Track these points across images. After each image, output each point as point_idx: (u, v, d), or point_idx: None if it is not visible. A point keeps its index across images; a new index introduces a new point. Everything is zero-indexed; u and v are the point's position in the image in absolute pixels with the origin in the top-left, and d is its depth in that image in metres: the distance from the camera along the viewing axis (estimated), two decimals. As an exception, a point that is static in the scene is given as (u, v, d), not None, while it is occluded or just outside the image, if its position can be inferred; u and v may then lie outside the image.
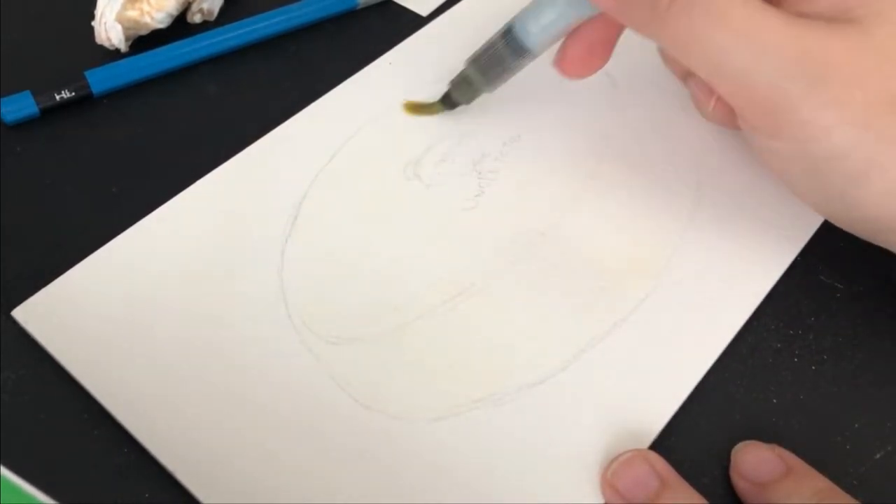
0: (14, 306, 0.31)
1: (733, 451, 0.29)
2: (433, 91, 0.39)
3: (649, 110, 0.39)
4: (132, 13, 0.39)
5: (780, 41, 0.27)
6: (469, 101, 0.37)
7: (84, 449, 0.29)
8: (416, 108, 0.38)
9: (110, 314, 0.31)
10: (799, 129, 0.28)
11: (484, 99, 0.38)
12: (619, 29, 0.33)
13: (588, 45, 0.33)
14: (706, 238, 0.35)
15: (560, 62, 0.33)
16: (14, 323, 0.31)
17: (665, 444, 0.30)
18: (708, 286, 0.33)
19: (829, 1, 0.28)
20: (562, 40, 0.33)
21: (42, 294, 0.31)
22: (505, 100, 0.39)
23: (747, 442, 0.29)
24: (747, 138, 0.32)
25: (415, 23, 0.42)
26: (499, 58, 0.34)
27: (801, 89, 0.27)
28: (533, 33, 0.33)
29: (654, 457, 0.29)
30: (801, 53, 0.27)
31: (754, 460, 0.29)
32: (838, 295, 0.34)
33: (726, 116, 0.32)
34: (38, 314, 0.31)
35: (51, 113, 0.37)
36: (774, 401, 0.31)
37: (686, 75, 0.34)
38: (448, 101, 0.37)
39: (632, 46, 0.41)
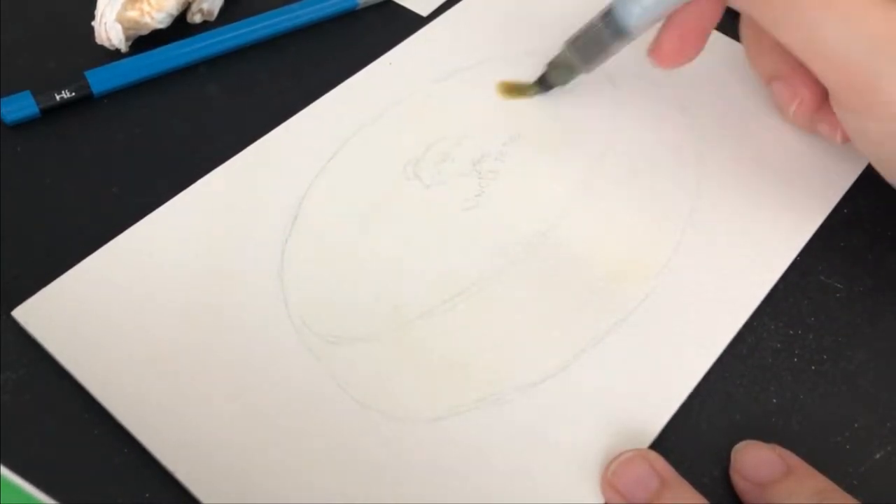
0: (14, 306, 0.31)
1: (733, 451, 0.29)
2: (434, 90, 0.39)
3: (649, 110, 0.39)
4: (132, 13, 0.39)
5: (875, 21, 0.28)
6: (565, 82, 0.37)
7: (84, 449, 0.29)
8: (510, 89, 0.38)
9: (110, 314, 0.31)
10: (889, 108, 0.29)
11: (484, 97, 0.38)
12: (715, 18, 0.33)
13: (682, 34, 0.33)
14: (706, 238, 0.35)
15: (656, 52, 0.34)
16: (14, 323, 0.31)
17: (665, 444, 0.30)
18: (708, 286, 0.33)
19: None
20: (658, 25, 0.34)
21: (42, 294, 0.31)
22: (505, 99, 0.39)
23: (747, 441, 0.29)
24: (841, 119, 0.32)
25: (415, 23, 0.42)
26: (598, 39, 0.35)
27: (892, 69, 0.28)
28: (634, 14, 0.33)
29: (654, 456, 0.29)
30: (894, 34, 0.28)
31: (755, 460, 0.29)
32: (838, 295, 0.34)
33: (807, 118, 0.33)
34: (38, 314, 0.31)
35: (51, 113, 0.37)
36: (774, 401, 0.31)
37: (771, 78, 0.35)
38: (544, 83, 0.38)
39: (632, 46, 0.41)
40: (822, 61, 0.30)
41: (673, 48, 0.33)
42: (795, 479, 0.28)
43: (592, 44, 0.35)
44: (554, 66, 0.37)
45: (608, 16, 0.34)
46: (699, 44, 0.34)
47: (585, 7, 0.43)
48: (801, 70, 0.33)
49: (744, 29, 0.36)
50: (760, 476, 0.28)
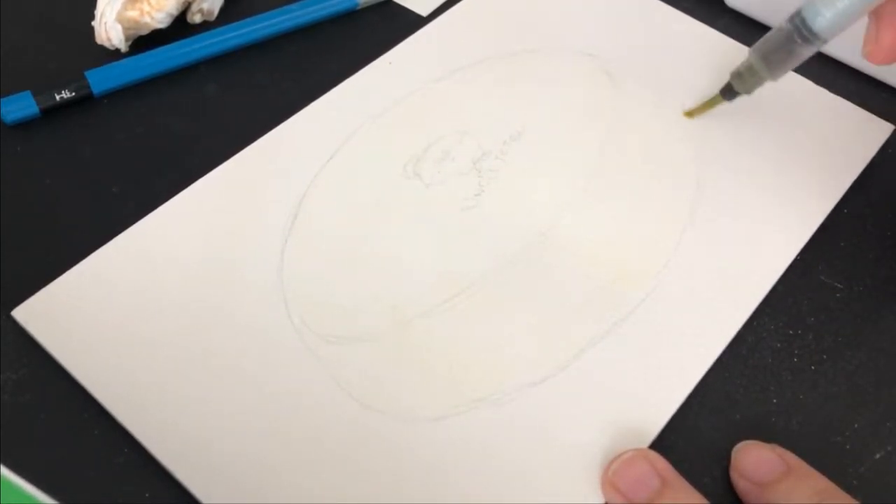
0: (14, 306, 0.31)
1: (734, 451, 0.29)
2: (434, 89, 0.39)
3: (650, 109, 0.39)
4: (132, 13, 0.39)
5: None
6: (750, 90, 0.36)
7: (84, 449, 0.29)
8: (699, 111, 0.38)
9: (110, 314, 0.31)
10: None
11: (484, 96, 0.38)
12: None
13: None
14: (706, 238, 0.35)
15: (874, 51, 0.32)
16: (14, 323, 0.31)
17: (665, 443, 0.30)
18: (708, 286, 0.33)
19: None
20: (860, 25, 0.32)
21: (42, 294, 0.31)
22: (505, 98, 0.39)
23: (747, 441, 0.29)
24: None
25: (415, 23, 0.42)
26: (786, 44, 0.33)
27: None
28: (826, 17, 0.32)
29: (655, 456, 0.29)
30: None
31: (755, 460, 0.29)
32: (838, 295, 0.34)
33: None
34: (38, 314, 0.31)
35: (51, 113, 0.37)
36: (774, 401, 0.31)
37: None
38: (729, 92, 0.37)
39: (632, 45, 0.41)
40: None
41: (894, 41, 0.31)
42: (795, 478, 0.28)
43: (780, 51, 0.34)
44: (738, 74, 0.36)
45: (797, 20, 0.33)
46: None
47: (585, 6, 0.43)
48: None
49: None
50: (760, 475, 0.28)
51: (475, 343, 0.31)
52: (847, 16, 0.32)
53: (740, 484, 0.29)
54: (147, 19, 0.39)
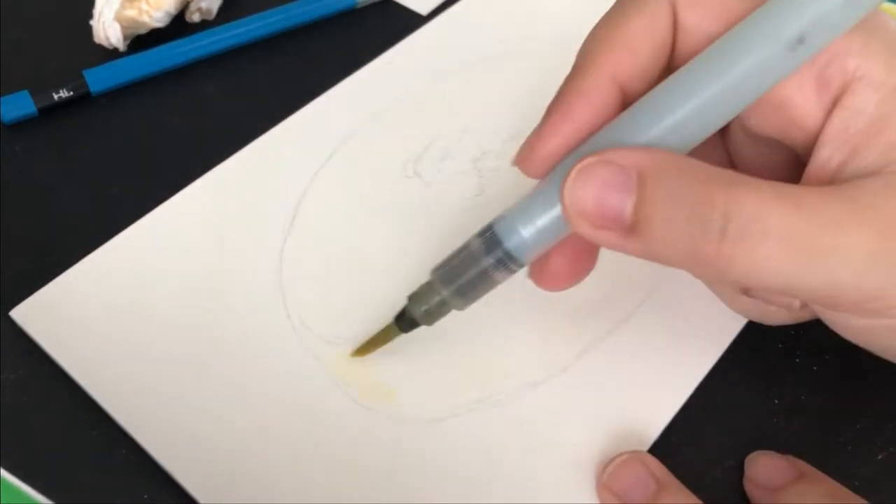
0: (13, 306, 0.31)
1: (746, 460, 0.29)
2: (434, 88, 0.39)
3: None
4: (130, 12, 0.39)
5: (851, 244, 0.23)
6: (432, 321, 0.29)
7: (82, 449, 0.29)
8: (366, 348, 0.30)
9: (109, 314, 0.31)
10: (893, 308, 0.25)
11: (484, 95, 0.38)
12: None
13: (575, 253, 0.27)
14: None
15: (541, 278, 0.28)
16: (13, 323, 0.31)
17: (665, 444, 0.30)
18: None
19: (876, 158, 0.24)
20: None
21: (41, 294, 0.31)
22: (505, 97, 0.39)
23: (760, 451, 0.29)
24: (831, 320, 0.27)
25: (415, 22, 0.42)
26: (477, 267, 0.27)
27: (886, 279, 0.23)
28: (524, 236, 0.25)
29: (650, 459, 0.28)
30: (873, 247, 0.23)
31: (767, 467, 0.29)
32: (839, 295, 0.34)
33: (810, 311, 0.28)
34: (36, 314, 0.31)
35: (49, 112, 0.37)
36: (775, 401, 0.31)
37: (746, 290, 0.29)
38: (404, 321, 0.29)
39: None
40: (808, 295, 0.25)
41: (564, 269, 0.27)
42: (807, 482, 0.28)
43: (469, 274, 0.27)
44: (418, 300, 0.28)
45: (489, 240, 0.26)
46: (595, 257, 0.28)
47: (585, 6, 0.43)
48: None
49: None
50: (772, 482, 0.28)
51: (475, 343, 0.31)
52: (551, 235, 0.25)
53: (753, 492, 0.29)
54: (145, 18, 0.39)
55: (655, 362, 0.31)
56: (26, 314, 0.31)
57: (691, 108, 0.23)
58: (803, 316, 0.29)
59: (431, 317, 0.28)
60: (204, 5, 0.41)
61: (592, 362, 0.31)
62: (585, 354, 0.31)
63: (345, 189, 0.35)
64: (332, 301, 0.32)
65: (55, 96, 0.37)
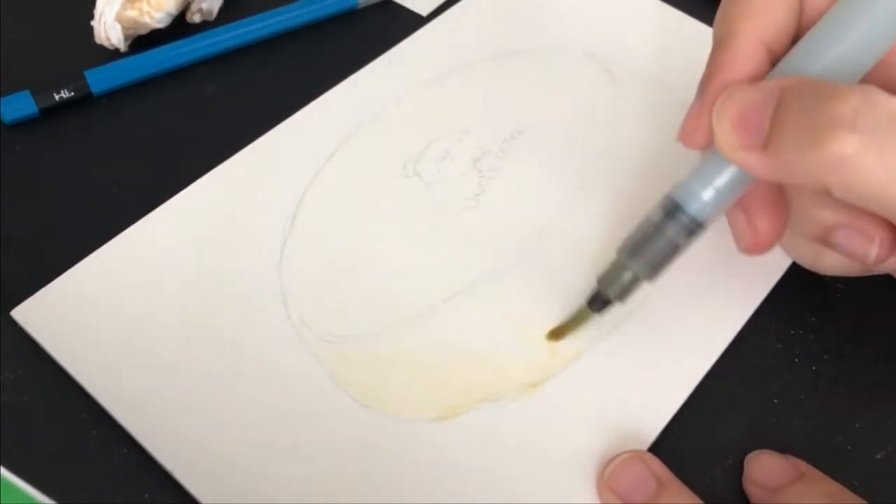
0: (14, 306, 0.31)
1: (746, 459, 0.29)
2: (434, 88, 0.39)
3: (650, 107, 0.39)
4: (131, 13, 0.39)
5: None
6: (624, 297, 0.30)
7: (84, 449, 0.29)
8: (562, 331, 0.32)
9: (110, 314, 0.31)
10: None
11: (484, 95, 0.38)
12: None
13: (771, 208, 0.28)
14: (706, 237, 0.34)
15: (753, 243, 0.29)
16: (14, 323, 0.31)
17: (665, 444, 0.30)
18: (708, 286, 0.33)
19: None
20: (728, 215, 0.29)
21: (41, 294, 0.31)
22: (505, 97, 0.39)
23: (760, 451, 0.29)
24: None
25: (415, 23, 0.42)
26: (663, 238, 0.28)
27: None
28: (705, 199, 0.27)
29: (651, 458, 0.28)
30: None
31: (767, 466, 0.29)
32: (838, 295, 0.34)
33: (889, 256, 0.28)
34: (37, 314, 0.31)
35: (50, 113, 0.37)
36: (775, 401, 0.31)
37: (828, 231, 0.28)
38: (598, 302, 0.30)
39: (632, 45, 0.41)
40: None
41: (771, 225, 0.28)
42: (808, 482, 0.28)
43: (654, 246, 0.28)
44: (608, 280, 0.30)
45: (672, 210, 0.28)
46: (785, 211, 0.29)
47: (585, 6, 0.43)
48: (863, 213, 0.27)
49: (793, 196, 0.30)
50: (772, 481, 0.28)
51: (475, 343, 0.31)
52: (729, 193, 0.27)
53: (753, 491, 0.29)
54: (146, 19, 0.39)
55: (655, 362, 0.31)
56: (27, 314, 0.31)
57: (844, 47, 0.25)
58: (873, 270, 0.29)
59: (624, 293, 0.30)
60: (205, 6, 0.41)
61: (592, 362, 0.31)
62: (585, 354, 0.31)
63: (345, 189, 0.35)
64: (332, 301, 0.32)
65: (56, 97, 0.37)
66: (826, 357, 0.32)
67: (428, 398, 0.30)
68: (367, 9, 0.43)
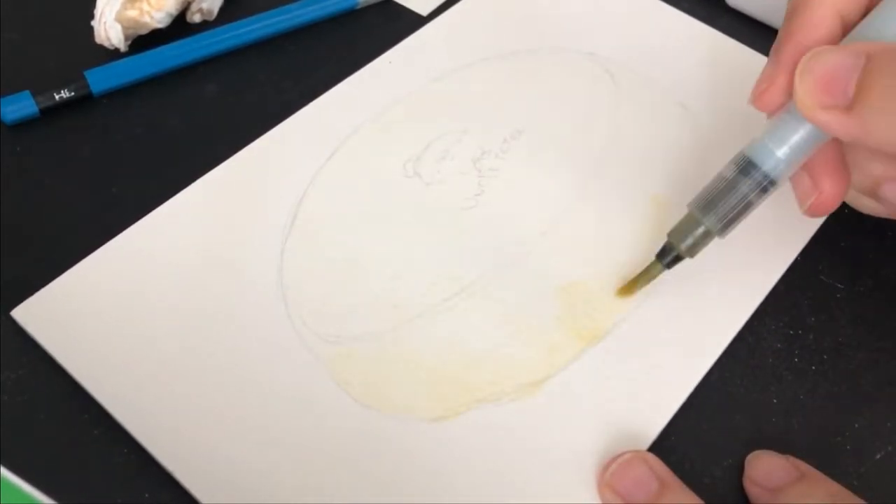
0: (14, 306, 0.31)
1: (746, 459, 0.29)
2: (434, 88, 0.39)
3: (650, 108, 0.39)
4: (132, 13, 0.39)
5: None
6: (694, 252, 0.31)
7: (84, 449, 0.29)
8: (632, 286, 0.32)
9: (110, 314, 0.31)
10: None
11: (484, 95, 0.38)
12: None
13: (836, 170, 0.30)
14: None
15: (817, 205, 0.30)
16: (14, 323, 0.31)
17: (665, 444, 0.30)
18: (708, 286, 0.33)
19: None
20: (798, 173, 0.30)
21: (41, 294, 0.31)
22: (505, 97, 0.39)
23: (760, 451, 0.29)
24: None
25: (415, 23, 0.42)
26: (737, 194, 0.29)
27: None
28: (779, 156, 0.29)
29: (652, 458, 0.28)
30: None
31: (767, 467, 0.29)
32: (838, 295, 0.34)
33: None
34: (37, 314, 0.31)
35: (50, 113, 0.37)
36: (774, 401, 0.31)
37: (878, 184, 0.31)
38: (668, 256, 0.31)
39: (633, 45, 0.41)
40: None
41: (835, 186, 0.30)
42: (809, 483, 0.28)
43: (727, 201, 0.30)
44: (680, 234, 0.31)
45: (746, 167, 0.29)
46: (847, 172, 0.30)
47: (585, 6, 0.43)
48: None
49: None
50: (773, 482, 0.28)
51: (475, 343, 0.31)
52: (801, 151, 0.29)
53: (753, 491, 0.29)
54: (146, 19, 0.39)
55: (655, 362, 0.31)
56: (27, 314, 0.31)
57: None
58: None
59: (695, 248, 0.31)
60: (205, 6, 0.41)
61: (592, 361, 0.31)
62: (585, 354, 0.31)
63: (345, 189, 0.35)
64: (332, 301, 0.32)
65: (56, 97, 0.37)
66: (825, 357, 0.32)
67: (428, 398, 0.30)
68: (367, 9, 0.43)
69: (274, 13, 0.41)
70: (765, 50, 0.41)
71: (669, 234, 0.31)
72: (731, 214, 0.30)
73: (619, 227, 0.35)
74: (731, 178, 0.29)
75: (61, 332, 0.31)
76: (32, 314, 0.31)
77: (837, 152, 0.30)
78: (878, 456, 0.30)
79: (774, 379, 0.32)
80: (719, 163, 0.37)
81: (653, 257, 0.32)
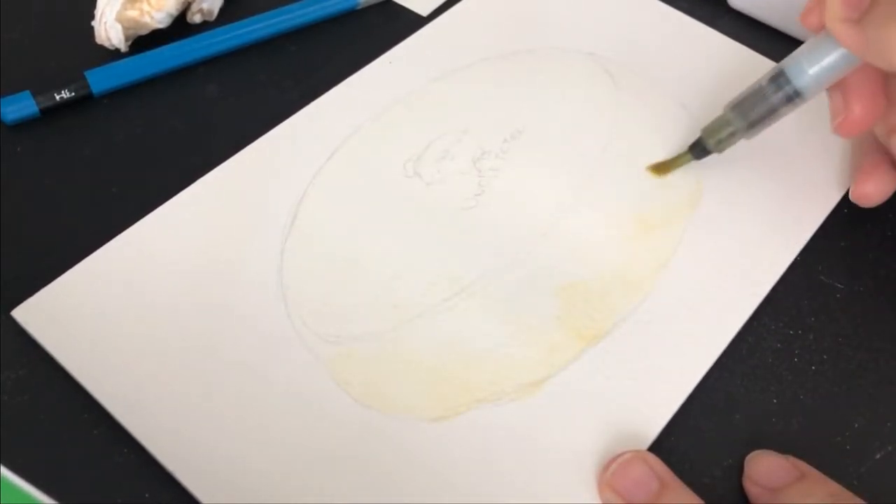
0: (14, 306, 0.31)
1: (746, 459, 0.29)
2: (434, 88, 0.39)
3: (650, 108, 0.39)
4: (132, 13, 0.39)
5: None
6: (723, 149, 0.35)
7: (84, 449, 0.29)
8: (663, 167, 0.36)
9: (110, 314, 0.31)
10: None
11: (484, 96, 0.38)
12: (883, 76, 0.32)
13: (866, 94, 0.32)
14: (706, 238, 0.35)
15: (845, 124, 0.33)
16: (14, 323, 0.31)
17: (665, 444, 0.30)
18: (708, 286, 0.33)
19: None
20: (832, 93, 0.33)
21: (42, 294, 0.31)
22: (505, 97, 0.39)
23: (760, 451, 0.29)
24: None
25: (415, 23, 0.42)
26: (766, 102, 0.33)
27: None
28: (810, 75, 0.32)
29: (653, 458, 0.28)
30: None
31: (767, 467, 0.29)
32: (838, 295, 0.34)
33: None
34: (37, 314, 0.31)
35: (51, 113, 0.37)
36: (774, 401, 0.31)
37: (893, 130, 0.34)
38: (699, 149, 0.35)
39: (633, 45, 0.41)
40: None
41: (865, 111, 0.32)
42: (809, 483, 0.28)
43: (759, 109, 0.33)
44: (711, 131, 0.35)
45: (779, 78, 0.33)
46: (881, 102, 0.33)
47: (585, 6, 0.43)
48: None
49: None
50: (773, 482, 0.28)
51: (475, 343, 0.31)
52: (831, 73, 0.32)
53: (753, 491, 0.29)
54: (147, 19, 0.39)
55: (655, 362, 0.31)
56: (27, 314, 0.31)
57: None
58: None
59: (722, 145, 0.35)
60: (205, 6, 0.41)
61: (592, 361, 0.31)
62: (585, 354, 0.31)
63: (345, 189, 0.35)
64: (332, 301, 0.32)
65: (57, 97, 0.37)
66: (825, 357, 0.32)
67: (428, 398, 0.30)
68: (367, 9, 0.43)
69: (274, 13, 0.41)
70: (765, 51, 0.41)
71: (703, 130, 0.35)
72: (758, 119, 0.33)
73: (619, 227, 0.35)
74: (763, 86, 0.33)
75: (61, 332, 0.31)
76: (32, 314, 0.31)
77: (877, 81, 0.32)
78: (878, 456, 0.30)
79: (774, 379, 0.32)
80: (719, 165, 0.37)
81: (646, 259, 0.33)
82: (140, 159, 0.36)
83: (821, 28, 0.31)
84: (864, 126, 0.33)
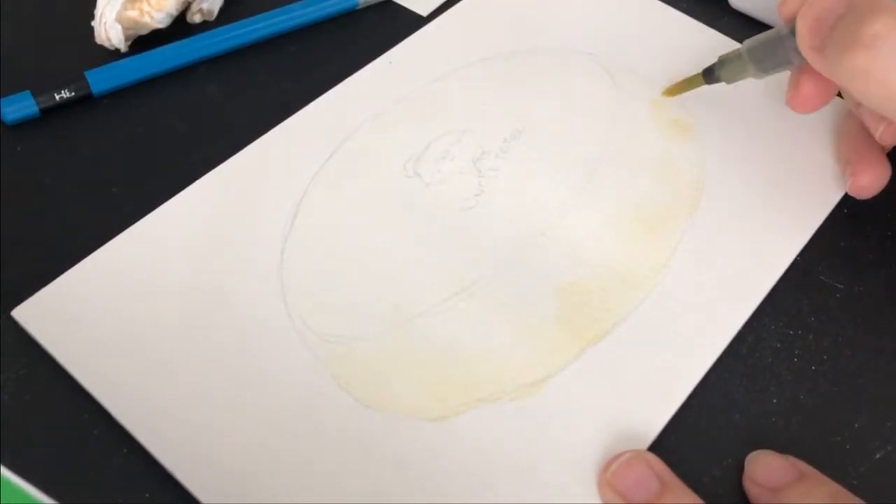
0: (14, 306, 0.31)
1: (746, 459, 0.29)
2: (434, 88, 0.39)
3: (650, 109, 0.39)
4: (132, 13, 0.39)
5: None
6: (732, 80, 0.36)
7: (84, 449, 0.29)
8: (677, 89, 0.38)
9: (110, 314, 0.31)
10: None
11: (484, 95, 0.38)
12: None
13: (821, 78, 0.33)
14: (706, 238, 0.35)
15: (793, 100, 0.34)
16: (14, 323, 0.31)
17: (665, 444, 0.30)
18: (708, 286, 0.33)
19: None
20: (793, 75, 0.34)
21: (42, 294, 0.31)
22: (505, 97, 0.39)
23: (760, 451, 0.29)
24: None
25: (415, 23, 0.42)
26: (778, 48, 0.34)
27: None
28: None
29: (653, 458, 0.28)
30: None
31: (767, 467, 0.29)
32: (838, 295, 0.34)
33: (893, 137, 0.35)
34: (38, 314, 0.31)
35: (51, 113, 0.37)
36: (774, 401, 0.31)
37: (857, 105, 0.36)
38: (711, 75, 0.37)
39: (633, 45, 0.41)
40: None
41: (812, 92, 0.33)
42: (809, 483, 0.28)
43: (772, 53, 0.34)
44: (725, 63, 0.36)
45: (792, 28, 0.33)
46: (833, 88, 0.34)
47: (585, 6, 0.43)
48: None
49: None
50: (773, 481, 0.28)
51: (475, 342, 0.31)
52: None
53: (753, 491, 0.29)
54: (147, 19, 0.39)
55: (654, 362, 0.31)
56: (27, 314, 0.31)
57: None
58: None
59: (732, 78, 0.36)
60: (205, 6, 0.41)
61: (592, 361, 0.31)
62: (585, 354, 0.31)
63: (345, 189, 0.35)
64: (332, 301, 0.32)
65: (57, 97, 0.37)
66: (825, 357, 0.32)
67: (428, 398, 0.30)
68: (367, 9, 0.43)
69: (274, 13, 0.41)
70: (765, 50, 0.41)
71: (719, 58, 0.36)
72: (768, 64, 0.34)
73: (619, 227, 0.35)
74: (783, 35, 0.33)
75: (61, 332, 0.31)
76: (32, 314, 0.31)
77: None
78: (877, 456, 0.30)
79: (774, 379, 0.32)
80: (719, 165, 0.37)
81: (646, 259, 0.32)
82: (140, 159, 0.36)
83: (792, 19, 0.32)
84: (811, 105, 0.34)
